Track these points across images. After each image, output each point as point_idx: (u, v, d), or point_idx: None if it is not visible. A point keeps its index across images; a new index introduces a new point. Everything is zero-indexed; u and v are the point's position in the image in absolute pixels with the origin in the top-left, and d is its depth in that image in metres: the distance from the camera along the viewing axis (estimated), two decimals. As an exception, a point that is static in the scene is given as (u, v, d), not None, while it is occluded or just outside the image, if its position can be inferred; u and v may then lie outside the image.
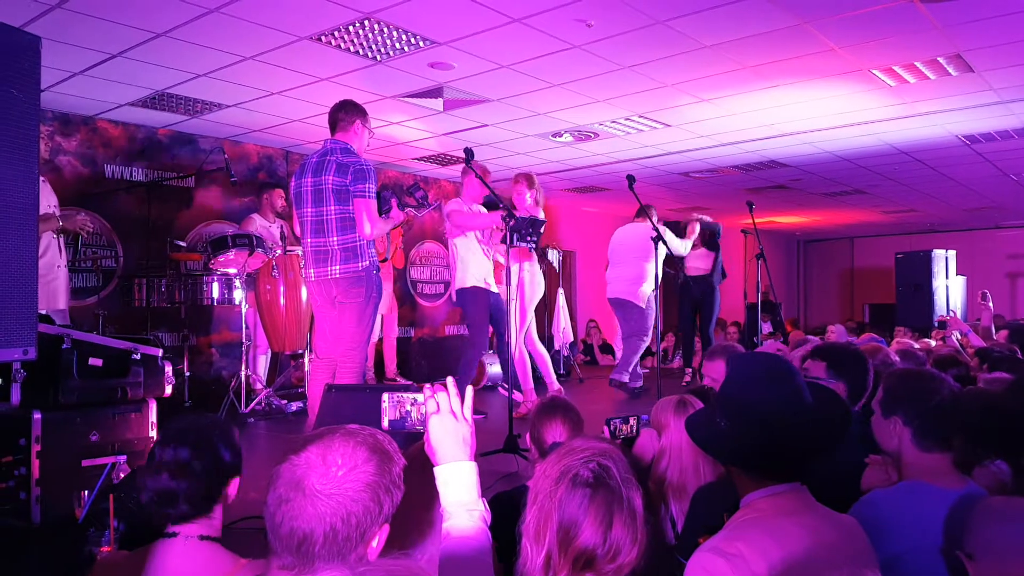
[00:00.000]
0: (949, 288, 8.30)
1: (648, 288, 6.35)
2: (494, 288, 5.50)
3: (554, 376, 5.94)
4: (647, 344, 6.62)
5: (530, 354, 5.78)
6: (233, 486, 1.78)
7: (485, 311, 5.40)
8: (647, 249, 6.06)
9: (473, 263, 5.41)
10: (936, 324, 7.56)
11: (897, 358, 3.66)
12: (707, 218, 7.50)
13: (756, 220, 6.38)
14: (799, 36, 4.72)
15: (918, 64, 5.25)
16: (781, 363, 1.73)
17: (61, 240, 4.34)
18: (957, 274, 8.69)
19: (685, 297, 7.65)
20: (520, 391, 5.56)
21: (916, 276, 8.22)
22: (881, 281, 14.00)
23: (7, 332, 1.56)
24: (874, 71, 5.41)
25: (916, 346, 5.01)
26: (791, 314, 16.17)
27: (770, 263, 6.04)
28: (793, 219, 13.53)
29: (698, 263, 7.60)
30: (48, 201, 4.26)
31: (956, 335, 5.61)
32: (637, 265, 6.42)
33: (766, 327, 10.64)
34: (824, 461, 1.73)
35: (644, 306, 6.45)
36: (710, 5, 4.25)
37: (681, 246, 6.68)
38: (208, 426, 1.77)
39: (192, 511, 1.65)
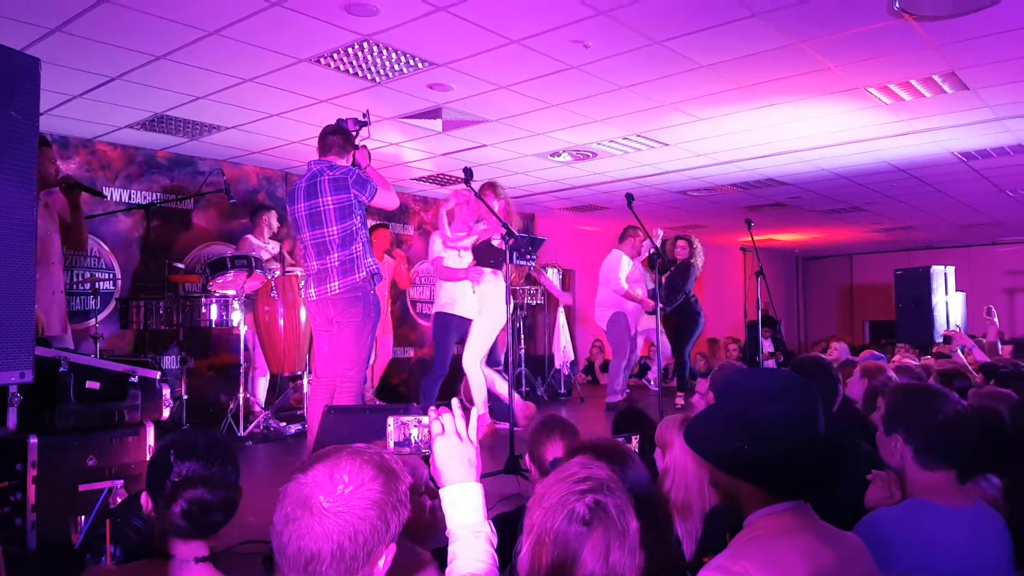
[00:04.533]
0: (949, 304, 8.28)
1: (606, 312, 7.01)
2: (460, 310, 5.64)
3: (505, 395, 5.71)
4: (625, 362, 7.04)
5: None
6: None
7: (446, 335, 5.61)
8: (603, 273, 7.00)
9: (443, 287, 5.67)
10: (941, 339, 7.54)
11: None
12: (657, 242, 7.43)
13: (755, 238, 6.39)
14: (794, 55, 4.75)
15: (913, 82, 5.29)
16: (790, 378, 1.71)
17: (60, 267, 4.31)
18: (956, 290, 8.68)
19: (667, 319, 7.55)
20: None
21: (915, 292, 8.20)
22: (881, 298, 13.99)
23: (3, 354, 1.55)
24: (870, 89, 5.44)
25: (917, 364, 4.99)
26: (790, 332, 16.15)
27: (769, 281, 6.03)
28: (792, 237, 13.56)
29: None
30: (51, 228, 4.25)
31: (959, 350, 5.59)
32: (600, 290, 7.15)
33: (767, 345, 10.61)
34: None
35: (605, 327, 7.06)
36: (706, 25, 4.29)
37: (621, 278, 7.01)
38: (223, 441, 1.82)
39: (224, 519, 1.68)
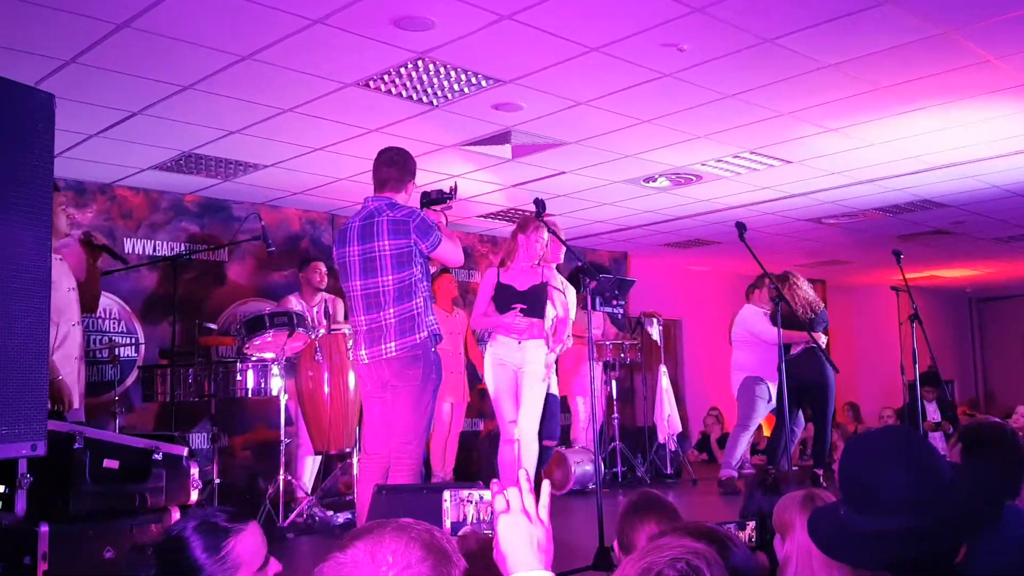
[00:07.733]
0: None
1: (740, 375, 6.99)
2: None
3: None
4: (748, 433, 7.03)
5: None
6: None
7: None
8: (739, 333, 6.96)
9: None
10: None
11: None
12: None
13: (910, 274, 6.27)
14: (944, 47, 4.71)
15: (1102, 72, 5.15)
16: (909, 436, 1.72)
17: (79, 329, 4.60)
18: None
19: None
20: None
21: None
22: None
23: (14, 423, 1.69)
24: (1045, 84, 5.32)
25: None
26: (968, 393, 15.46)
27: (937, 328, 5.90)
28: (960, 272, 13.10)
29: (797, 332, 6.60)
30: (67, 284, 4.56)
31: None
32: (735, 353, 7.13)
33: (932, 411, 10.16)
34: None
35: (736, 391, 7.03)
36: (826, 17, 4.30)
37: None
38: (177, 536, 1.90)
39: None
